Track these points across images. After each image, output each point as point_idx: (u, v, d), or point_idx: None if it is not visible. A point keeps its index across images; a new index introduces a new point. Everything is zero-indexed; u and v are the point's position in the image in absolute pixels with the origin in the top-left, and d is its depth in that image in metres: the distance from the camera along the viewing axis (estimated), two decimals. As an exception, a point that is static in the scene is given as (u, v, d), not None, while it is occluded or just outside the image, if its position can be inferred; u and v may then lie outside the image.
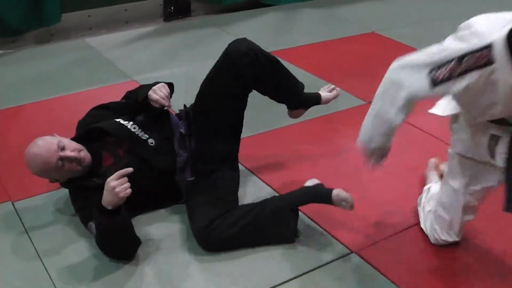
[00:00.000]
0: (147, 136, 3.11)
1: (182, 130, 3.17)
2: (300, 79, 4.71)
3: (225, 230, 2.88)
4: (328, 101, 3.52)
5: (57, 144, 2.92)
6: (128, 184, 2.66)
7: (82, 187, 3.01)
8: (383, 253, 2.96)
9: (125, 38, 5.85)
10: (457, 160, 2.72)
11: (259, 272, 2.81)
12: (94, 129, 3.14)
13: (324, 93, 3.51)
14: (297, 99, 3.40)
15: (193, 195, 3.08)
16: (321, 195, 3.05)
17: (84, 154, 3.02)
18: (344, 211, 3.04)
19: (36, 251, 2.93)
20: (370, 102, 4.33)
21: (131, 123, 3.14)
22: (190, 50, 5.58)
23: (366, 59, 5.40)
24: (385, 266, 2.85)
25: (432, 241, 2.96)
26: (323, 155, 3.79)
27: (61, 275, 2.78)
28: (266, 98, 3.29)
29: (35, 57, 5.37)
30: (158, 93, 3.07)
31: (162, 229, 3.08)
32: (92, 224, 2.84)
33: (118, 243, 2.82)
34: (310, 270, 2.82)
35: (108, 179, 2.65)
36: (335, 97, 3.56)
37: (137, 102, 3.21)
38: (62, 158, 2.91)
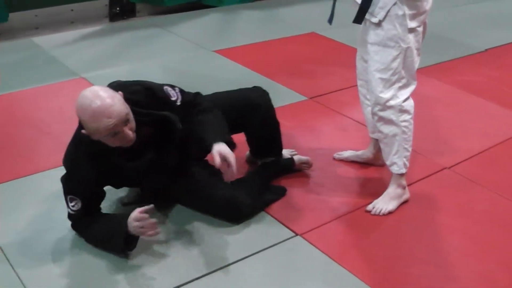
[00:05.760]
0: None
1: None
2: (242, 76, 4.90)
3: (246, 199, 3.18)
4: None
5: (126, 114, 2.70)
6: (152, 222, 2.78)
7: (103, 157, 2.86)
8: (327, 235, 3.15)
9: (72, 37, 5.93)
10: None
11: (201, 256, 2.95)
12: (162, 116, 2.95)
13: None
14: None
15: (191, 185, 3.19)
16: (286, 165, 3.57)
17: (134, 136, 2.79)
18: (287, 197, 3.36)
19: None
20: (311, 98, 4.60)
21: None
22: (135, 49, 5.70)
23: (306, 58, 5.60)
24: (328, 247, 3.04)
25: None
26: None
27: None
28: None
29: (-18, 56, 5.40)
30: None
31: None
32: (72, 198, 2.90)
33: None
34: (254, 253, 2.98)
35: (130, 219, 2.78)
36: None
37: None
38: (119, 132, 2.71)
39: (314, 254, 2.99)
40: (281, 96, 4.48)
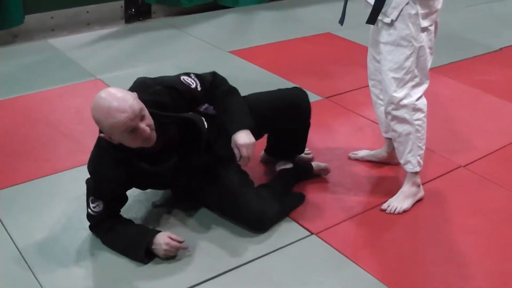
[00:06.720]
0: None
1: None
2: (257, 76, 4.90)
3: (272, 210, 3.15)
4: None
5: (140, 109, 2.67)
6: (175, 251, 2.90)
7: (126, 162, 2.84)
8: (342, 234, 3.16)
9: (88, 39, 5.96)
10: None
11: (217, 255, 2.97)
12: (185, 119, 2.93)
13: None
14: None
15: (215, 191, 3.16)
16: (306, 171, 3.55)
17: (154, 134, 2.75)
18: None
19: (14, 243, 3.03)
20: (326, 98, 4.60)
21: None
22: (151, 50, 5.72)
23: (322, 58, 5.61)
24: (343, 246, 3.05)
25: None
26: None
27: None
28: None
29: (-2, 58, 5.44)
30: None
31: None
32: (94, 200, 2.91)
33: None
34: (270, 252, 3.00)
35: (161, 241, 2.86)
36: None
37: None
38: (136, 129, 2.67)
39: (329, 253, 3.00)
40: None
